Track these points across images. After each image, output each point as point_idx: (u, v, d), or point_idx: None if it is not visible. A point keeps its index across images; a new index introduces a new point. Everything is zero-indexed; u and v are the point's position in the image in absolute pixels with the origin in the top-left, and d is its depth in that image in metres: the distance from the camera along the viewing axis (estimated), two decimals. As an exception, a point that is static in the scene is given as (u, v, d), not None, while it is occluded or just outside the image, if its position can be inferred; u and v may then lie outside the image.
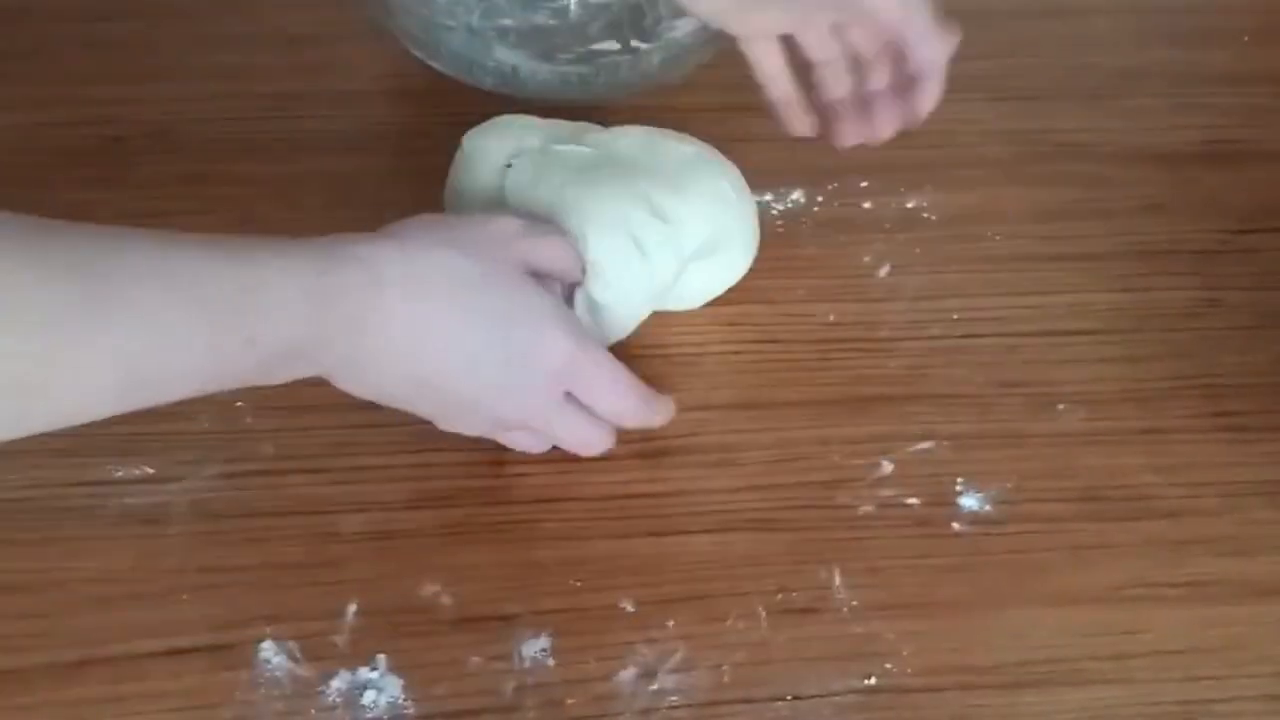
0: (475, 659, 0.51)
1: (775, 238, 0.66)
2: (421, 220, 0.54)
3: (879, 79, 0.62)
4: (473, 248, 0.52)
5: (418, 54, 0.71)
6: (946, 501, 0.56)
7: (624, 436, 0.58)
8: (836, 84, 0.62)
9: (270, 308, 0.46)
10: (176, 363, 0.45)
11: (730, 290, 0.63)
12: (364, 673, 0.50)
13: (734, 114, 0.71)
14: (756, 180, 0.67)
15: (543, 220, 0.58)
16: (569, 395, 0.54)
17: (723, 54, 0.73)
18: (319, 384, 0.59)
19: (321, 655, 0.51)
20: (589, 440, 0.56)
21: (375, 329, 0.50)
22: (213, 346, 0.45)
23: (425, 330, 0.51)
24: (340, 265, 0.49)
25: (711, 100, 0.72)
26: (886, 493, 0.57)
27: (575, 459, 0.57)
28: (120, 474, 0.56)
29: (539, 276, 0.55)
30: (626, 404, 0.55)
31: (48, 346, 0.41)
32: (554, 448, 0.56)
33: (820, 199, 0.68)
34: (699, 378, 0.60)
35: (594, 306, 0.58)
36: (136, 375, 0.44)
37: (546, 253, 0.56)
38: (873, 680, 0.51)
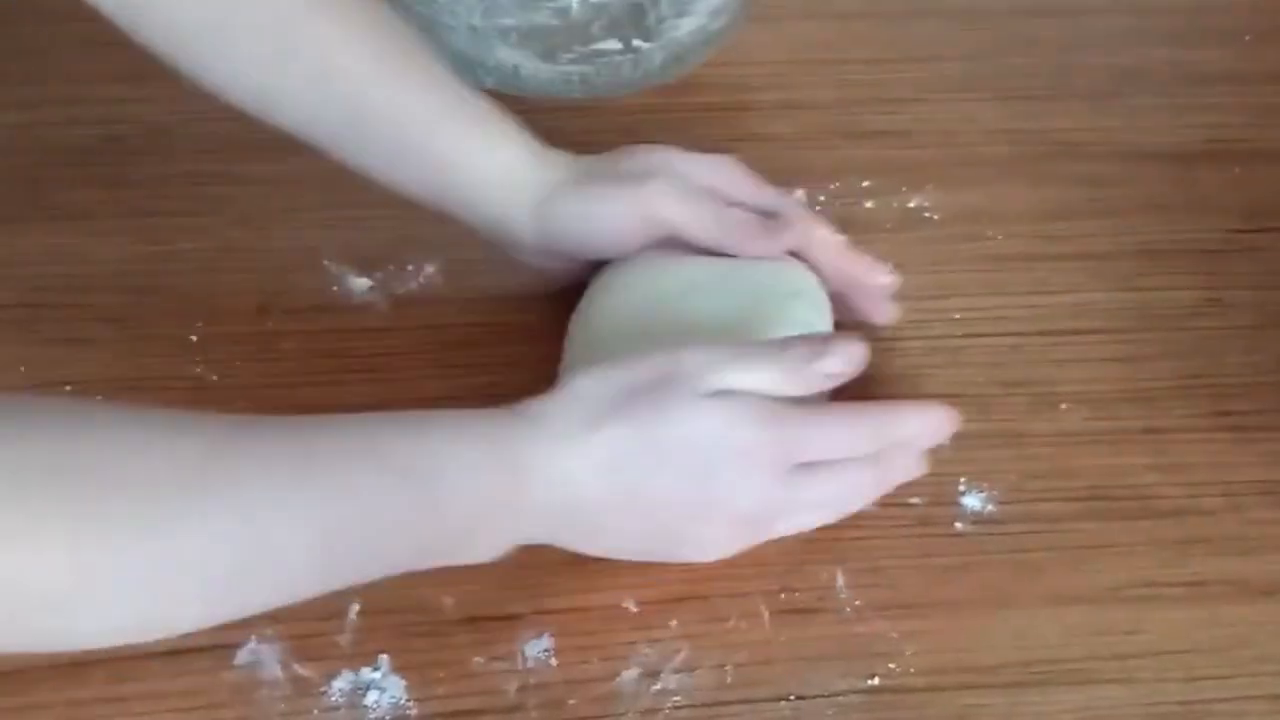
0: (478, 659, 0.51)
1: (777, 237, 0.66)
2: (595, 381, 0.49)
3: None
4: (649, 415, 0.48)
5: (418, 53, 0.71)
6: (949, 501, 0.56)
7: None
8: None
9: (452, 479, 0.46)
10: (375, 539, 0.45)
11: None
12: (366, 673, 0.50)
13: (735, 113, 0.71)
14: (757, 180, 0.68)
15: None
16: (804, 466, 0.50)
17: (724, 53, 0.73)
18: (316, 384, 0.59)
19: (324, 655, 0.51)
20: (852, 491, 0.52)
21: (562, 500, 0.48)
22: (405, 521, 0.45)
23: (619, 501, 0.48)
24: (512, 452, 0.47)
25: (713, 100, 0.72)
26: (888, 492, 0.56)
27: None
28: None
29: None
30: (858, 435, 0.51)
31: (262, 528, 0.41)
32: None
33: (822, 199, 0.67)
34: (701, 377, 0.60)
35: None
36: (337, 554, 0.44)
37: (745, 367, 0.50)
38: (875, 680, 0.51)
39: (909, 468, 0.53)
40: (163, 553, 0.39)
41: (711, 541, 0.51)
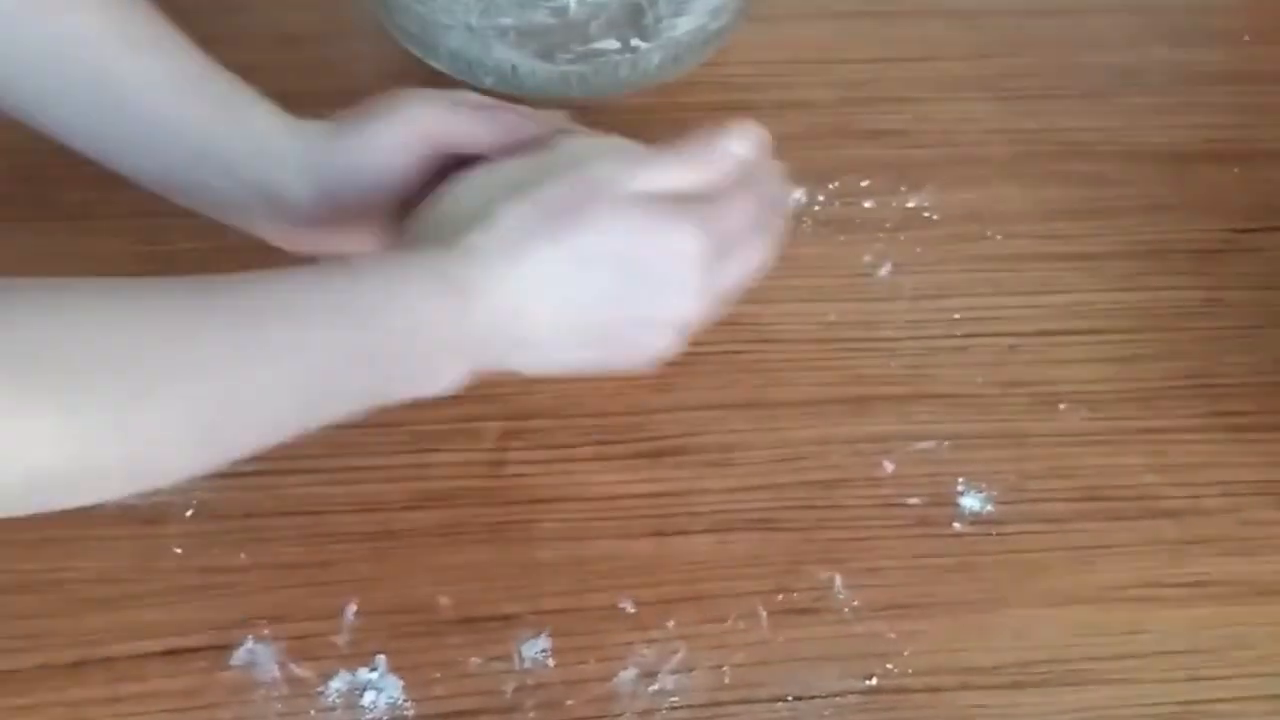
0: (475, 659, 0.51)
1: (775, 237, 0.66)
2: (513, 205, 0.49)
3: None
4: (574, 229, 0.48)
5: (417, 53, 0.71)
6: (947, 501, 0.56)
7: (624, 436, 0.58)
8: None
9: (403, 306, 0.47)
10: (341, 374, 0.46)
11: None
12: (363, 673, 0.50)
13: (734, 113, 0.70)
14: (757, 179, 0.68)
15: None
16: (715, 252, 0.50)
17: (723, 53, 0.73)
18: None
19: (321, 655, 0.51)
20: (759, 258, 0.53)
21: (506, 323, 0.48)
22: (365, 354, 0.46)
23: (559, 318, 0.49)
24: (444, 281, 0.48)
25: (711, 100, 0.71)
26: (887, 492, 0.56)
27: (572, 459, 0.56)
28: (119, 474, 0.55)
29: None
30: (750, 200, 0.52)
31: (229, 385, 0.43)
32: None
33: (821, 198, 0.67)
34: (699, 377, 0.60)
35: None
36: (312, 393, 0.46)
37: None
38: (873, 681, 0.51)
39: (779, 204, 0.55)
40: (150, 413, 0.41)
41: (649, 344, 0.51)
